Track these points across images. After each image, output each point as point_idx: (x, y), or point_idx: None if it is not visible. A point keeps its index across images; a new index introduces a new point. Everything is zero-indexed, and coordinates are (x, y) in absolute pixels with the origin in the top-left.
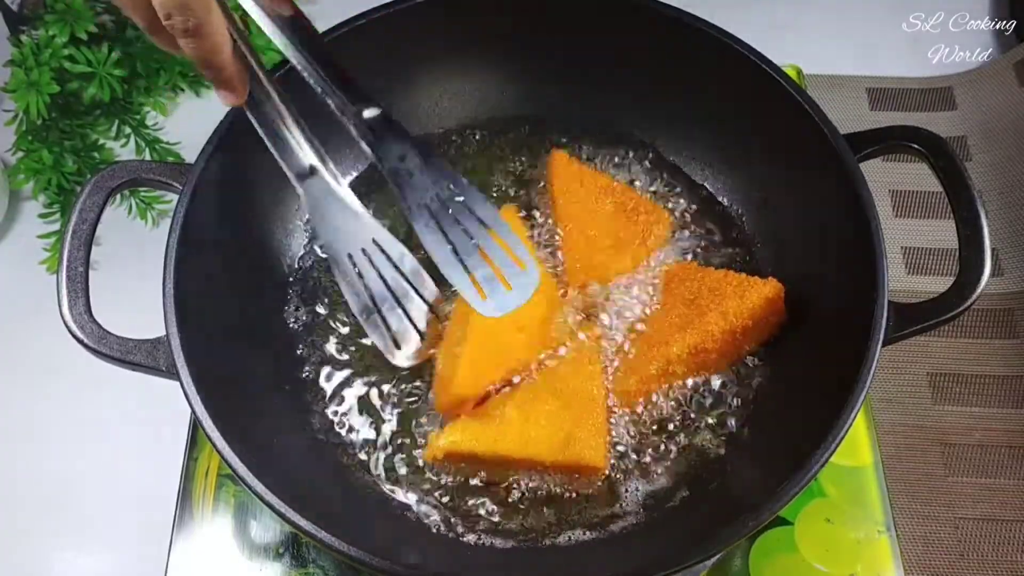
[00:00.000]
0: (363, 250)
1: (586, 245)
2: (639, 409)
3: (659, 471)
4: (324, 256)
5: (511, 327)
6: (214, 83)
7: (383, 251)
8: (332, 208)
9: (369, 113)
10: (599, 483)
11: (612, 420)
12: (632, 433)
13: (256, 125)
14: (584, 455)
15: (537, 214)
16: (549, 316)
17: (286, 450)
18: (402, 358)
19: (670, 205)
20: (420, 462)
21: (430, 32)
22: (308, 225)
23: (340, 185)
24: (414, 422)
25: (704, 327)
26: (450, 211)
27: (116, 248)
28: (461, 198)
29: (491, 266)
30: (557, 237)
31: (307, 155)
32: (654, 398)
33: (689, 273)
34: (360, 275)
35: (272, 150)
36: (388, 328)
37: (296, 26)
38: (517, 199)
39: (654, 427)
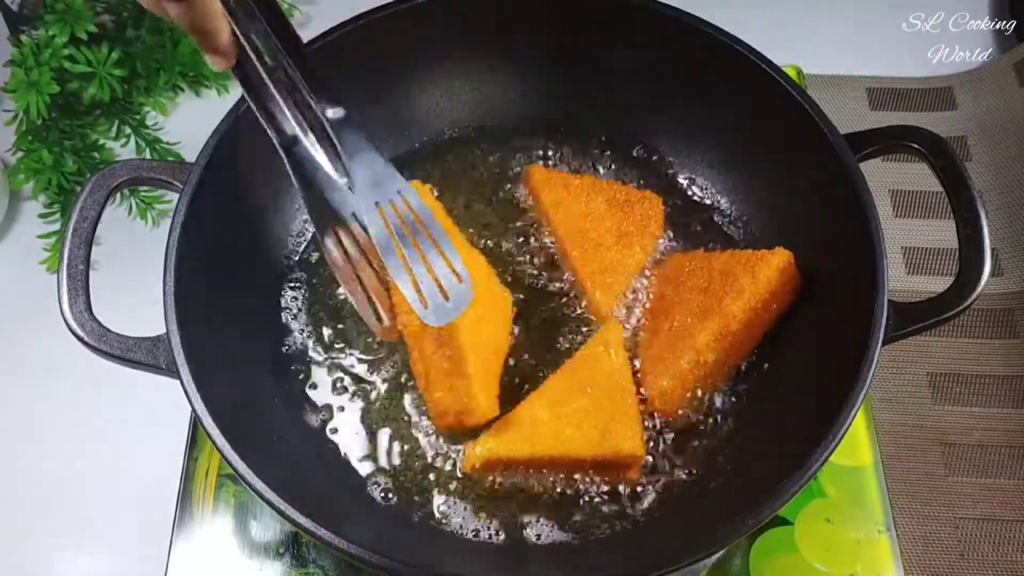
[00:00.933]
0: (353, 214)
1: (594, 249)
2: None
3: (658, 470)
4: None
5: (486, 332)
6: (203, 49)
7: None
8: (317, 177)
9: (334, 113)
10: (635, 476)
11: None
12: None
13: (243, 89)
14: (622, 446)
15: (531, 233)
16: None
17: (286, 448)
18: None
19: (670, 205)
20: (417, 459)
21: (429, 32)
22: (306, 215)
23: (320, 155)
24: (413, 420)
25: (724, 310)
26: (399, 216)
27: (116, 248)
28: (409, 208)
29: (433, 277)
30: (556, 250)
31: (291, 124)
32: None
33: (696, 262)
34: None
35: (257, 114)
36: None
37: (269, 13)
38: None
39: (653, 427)
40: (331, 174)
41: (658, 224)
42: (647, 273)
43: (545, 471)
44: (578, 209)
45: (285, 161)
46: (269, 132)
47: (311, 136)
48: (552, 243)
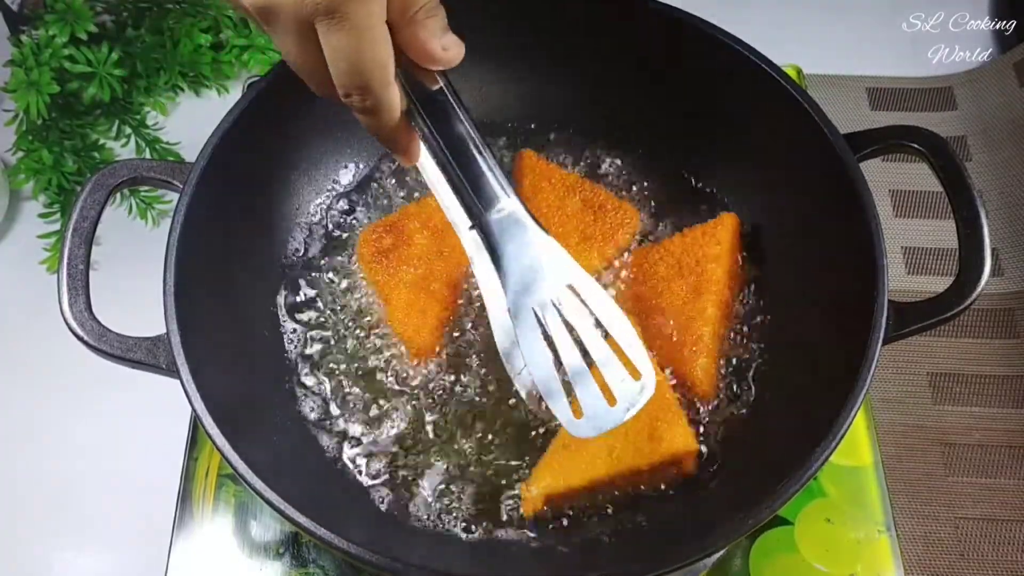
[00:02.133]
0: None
1: None
2: None
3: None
4: (327, 254)
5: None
6: (388, 148)
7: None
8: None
9: (498, 214)
10: (692, 469)
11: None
12: None
13: (427, 179)
14: (676, 445)
15: None
16: None
17: (286, 448)
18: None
19: (668, 204)
20: (417, 459)
21: None
22: (309, 224)
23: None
24: (413, 419)
25: (711, 280)
26: (563, 310)
27: (116, 248)
28: (580, 295)
29: (597, 381)
30: None
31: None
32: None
33: (652, 254)
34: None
35: (440, 201)
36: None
37: (438, 104)
38: None
39: None
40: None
41: (628, 236)
42: (603, 280)
43: (606, 490)
44: (552, 202)
45: (466, 247)
46: (449, 217)
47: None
48: None
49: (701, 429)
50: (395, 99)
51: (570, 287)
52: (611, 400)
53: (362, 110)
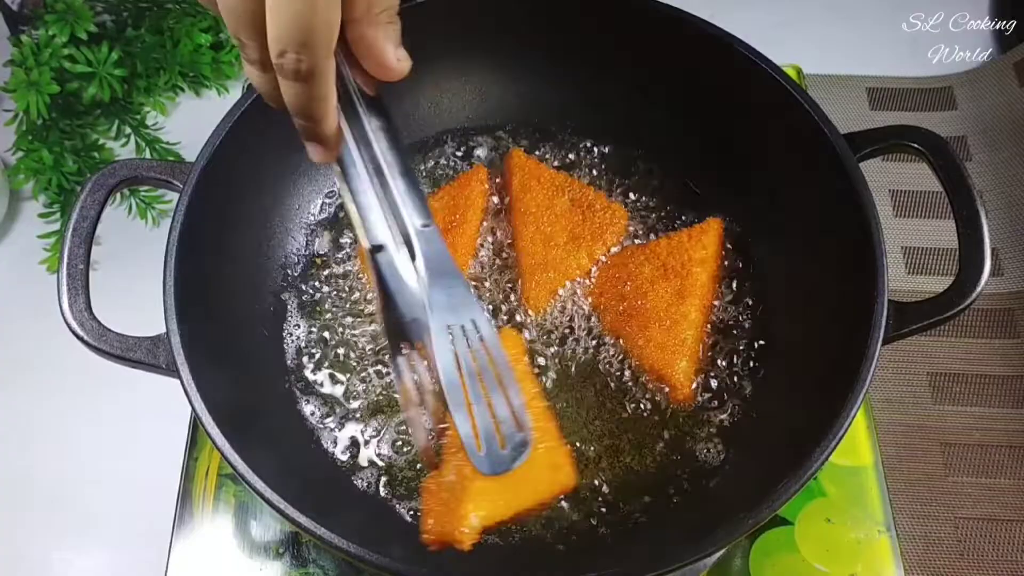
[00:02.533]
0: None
1: (542, 242)
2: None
3: (658, 470)
4: (328, 254)
5: None
6: (305, 135)
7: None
8: (396, 290)
9: (422, 225)
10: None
11: (626, 416)
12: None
13: (340, 184)
14: (568, 481)
15: (499, 215)
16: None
17: (286, 447)
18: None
19: (661, 205)
20: (418, 465)
21: (430, 33)
22: (309, 223)
23: (403, 267)
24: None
25: (695, 284)
26: (470, 346)
27: (116, 248)
28: (480, 338)
29: (494, 421)
30: (511, 235)
31: (382, 229)
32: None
33: (637, 255)
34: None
35: (352, 213)
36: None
37: (374, 113)
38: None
39: (655, 427)
40: (411, 289)
41: (615, 236)
42: (581, 281)
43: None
44: (541, 201)
45: (370, 266)
46: (359, 232)
47: (398, 247)
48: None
49: (702, 428)
50: (331, 70)
51: (473, 323)
52: (502, 443)
53: (295, 74)
